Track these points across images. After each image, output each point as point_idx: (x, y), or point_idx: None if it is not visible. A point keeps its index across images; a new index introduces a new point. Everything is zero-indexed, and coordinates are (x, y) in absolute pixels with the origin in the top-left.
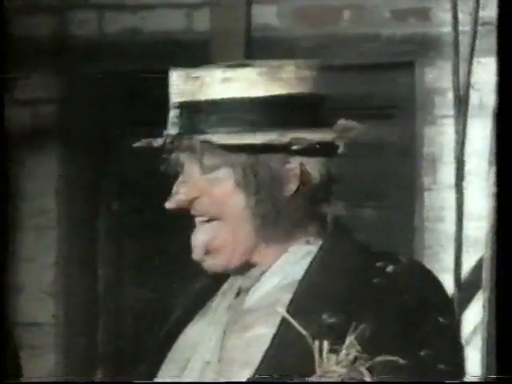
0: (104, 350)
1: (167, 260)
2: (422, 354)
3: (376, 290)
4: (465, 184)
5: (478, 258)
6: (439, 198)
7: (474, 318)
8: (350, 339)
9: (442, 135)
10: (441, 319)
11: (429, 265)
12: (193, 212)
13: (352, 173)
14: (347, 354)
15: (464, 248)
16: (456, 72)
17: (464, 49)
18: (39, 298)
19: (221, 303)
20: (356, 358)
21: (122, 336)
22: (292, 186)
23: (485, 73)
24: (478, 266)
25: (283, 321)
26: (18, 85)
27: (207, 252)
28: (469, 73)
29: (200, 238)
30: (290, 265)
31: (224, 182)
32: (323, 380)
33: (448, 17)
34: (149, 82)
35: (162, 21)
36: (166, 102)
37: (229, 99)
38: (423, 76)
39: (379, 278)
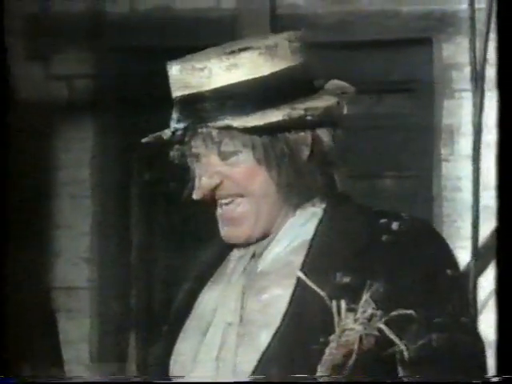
0: (136, 313)
1: (196, 229)
2: (434, 305)
3: (385, 247)
4: (481, 155)
5: (493, 226)
6: (457, 169)
7: (489, 283)
8: (365, 297)
9: (459, 108)
10: (448, 271)
11: (447, 233)
12: (217, 197)
13: (373, 144)
14: (364, 312)
15: (481, 216)
16: (473, 48)
17: (480, 25)
18: (75, 263)
19: (236, 268)
20: (372, 315)
21: (153, 300)
22: (306, 152)
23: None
24: (494, 234)
25: (299, 282)
26: (56, 60)
27: (231, 225)
28: (485, 48)
29: (224, 213)
30: (298, 227)
31: (245, 163)
32: (343, 338)
33: None
34: (177, 58)
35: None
36: None
37: (235, 84)
38: (441, 51)
39: (386, 235)
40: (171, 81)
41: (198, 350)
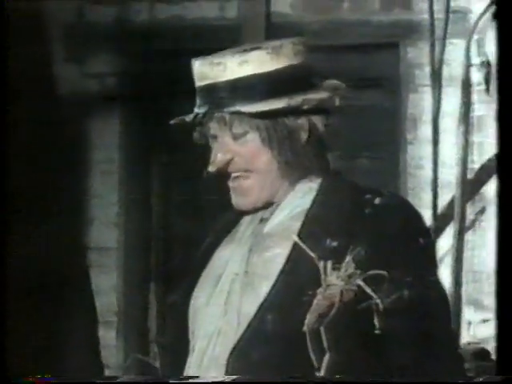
0: (156, 269)
1: (208, 201)
2: (407, 267)
3: (368, 218)
4: (439, 139)
5: (449, 197)
6: (419, 150)
7: (446, 243)
8: (348, 258)
9: (421, 100)
10: (421, 240)
11: (411, 202)
12: (229, 170)
13: (351, 130)
14: (345, 271)
15: (439, 189)
16: (432, 51)
17: (439, 32)
18: (106, 227)
19: (246, 230)
20: (352, 274)
21: (170, 258)
22: (304, 136)
23: (455, 51)
24: (450, 203)
25: (295, 245)
26: (88, 61)
27: (241, 195)
28: (442, 51)
29: (235, 185)
30: (297, 199)
31: (252, 142)
32: (327, 292)
33: (426, 6)
34: (189, 58)
35: (200, 10)
36: None
37: (246, 77)
38: (406, 54)
39: (369, 208)
40: (194, 73)
41: (211, 295)
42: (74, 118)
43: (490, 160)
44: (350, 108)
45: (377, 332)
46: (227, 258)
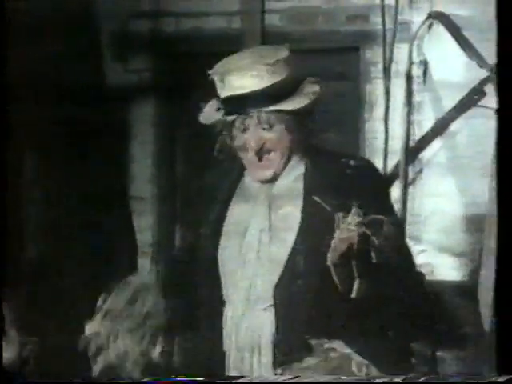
0: (180, 212)
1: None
2: (381, 210)
3: (350, 177)
4: (389, 118)
5: (395, 161)
6: (374, 126)
7: (394, 195)
8: (353, 210)
9: (375, 89)
10: (385, 188)
11: None
12: (261, 152)
13: (323, 112)
14: (354, 219)
15: (388, 156)
16: (384, 52)
17: (389, 38)
18: (143, 183)
19: (258, 192)
20: (359, 221)
21: (191, 205)
22: (306, 122)
23: (401, 53)
24: (397, 166)
25: (306, 201)
26: (130, 60)
27: (264, 169)
28: (391, 53)
29: (261, 162)
30: (295, 166)
31: (278, 130)
32: (343, 235)
33: (379, 20)
34: (204, 60)
35: (213, 22)
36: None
37: (270, 86)
38: (365, 55)
39: (349, 169)
40: (229, 84)
41: (240, 246)
42: (118, 105)
43: (426, 134)
44: (322, 95)
45: (373, 261)
46: (247, 216)
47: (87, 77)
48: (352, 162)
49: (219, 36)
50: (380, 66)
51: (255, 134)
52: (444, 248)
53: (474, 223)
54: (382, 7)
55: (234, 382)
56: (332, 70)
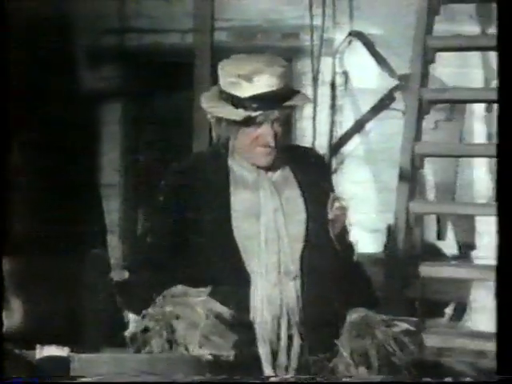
0: (142, 198)
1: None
2: (330, 187)
3: (316, 164)
4: (316, 116)
5: (322, 154)
6: (304, 125)
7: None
8: (333, 195)
9: (306, 92)
10: (328, 170)
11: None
12: (270, 144)
13: None
14: (339, 201)
15: (316, 143)
16: (312, 64)
17: (316, 53)
18: (111, 174)
19: (260, 179)
20: (341, 198)
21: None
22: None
23: (326, 65)
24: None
25: (301, 187)
26: (100, 69)
27: (268, 156)
28: (318, 64)
29: (267, 151)
30: (282, 159)
31: (283, 125)
32: (337, 212)
33: (308, 37)
34: (162, 69)
35: (171, 38)
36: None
37: (282, 87)
38: (296, 66)
39: (311, 158)
40: (243, 85)
41: (258, 227)
42: (91, 104)
43: (346, 132)
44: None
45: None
46: (255, 201)
47: (65, 82)
48: (310, 152)
49: (175, 49)
50: (309, 76)
51: (269, 128)
52: (362, 226)
53: (385, 205)
54: (311, 26)
55: (232, 381)
56: None
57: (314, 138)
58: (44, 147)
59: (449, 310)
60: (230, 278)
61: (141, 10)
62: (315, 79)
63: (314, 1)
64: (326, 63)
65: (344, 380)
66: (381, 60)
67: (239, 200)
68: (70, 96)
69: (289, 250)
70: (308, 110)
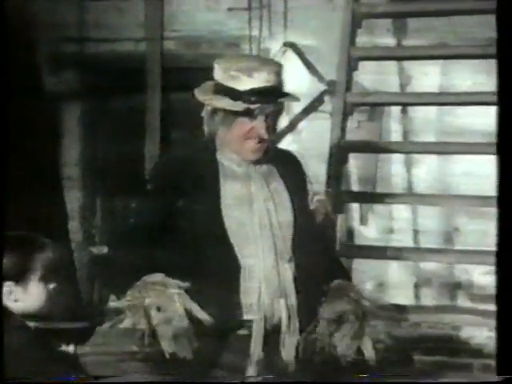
0: (100, 183)
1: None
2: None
3: (294, 164)
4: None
5: None
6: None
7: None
8: (310, 186)
9: None
10: (304, 170)
11: None
12: (263, 136)
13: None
14: (320, 194)
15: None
16: None
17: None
18: (71, 167)
19: (248, 171)
20: (319, 191)
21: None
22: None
23: None
24: None
25: (283, 178)
26: (61, 73)
27: (259, 151)
28: None
29: (258, 145)
30: (267, 153)
31: (275, 120)
32: (318, 202)
33: (247, 47)
34: (117, 74)
35: (124, 46)
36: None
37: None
38: None
39: (289, 157)
40: (242, 79)
41: (251, 215)
42: (54, 105)
43: (281, 131)
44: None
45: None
46: (246, 191)
47: (30, 85)
48: (287, 154)
49: (128, 56)
50: None
51: (263, 122)
52: None
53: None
54: (250, 37)
55: (228, 382)
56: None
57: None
58: (12, 143)
59: (369, 286)
60: (219, 265)
61: (98, 21)
62: None
63: (252, 14)
64: None
65: (344, 380)
66: (311, 67)
67: (229, 190)
68: (34, 98)
69: (281, 235)
70: None
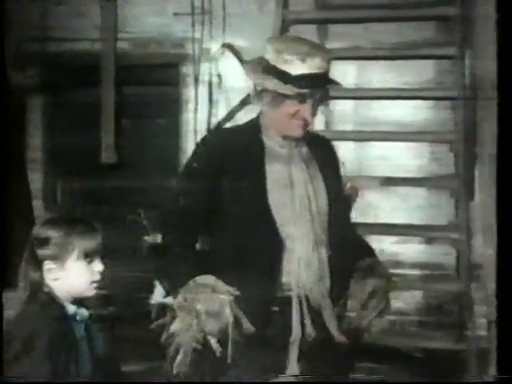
0: (62, 170)
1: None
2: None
3: (324, 147)
4: (198, 110)
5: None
6: (188, 116)
7: None
8: (342, 168)
9: (189, 92)
10: (336, 150)
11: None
12: (308, 119)
13: (157, 106)
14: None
15: (197, 134)
16: (194, 68)
17: (197, 59)
18: (35, 151)
19: (292, 153)
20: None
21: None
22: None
23: (204, 68)
24: None
25: (318, 163)
26: (25, 69)
27: (304, 129)
28: (198, 68)
29: (304, 125)
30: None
31: (319, 105)
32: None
33: (191, 47)
34: (75, 71)
35: (82, 45)
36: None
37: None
38: (182, 69)
39: (324, 142)
40: (309, 65)
41: (291, 197)
42: (19, 97)
43: (220, 120)
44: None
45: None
46: (287, 173)
47: None
48: (317, 134)
49: (85, 54)
50: (191, 77)
51: (310, 106)
52: None
53: None
54: (193, 39)
55: (223, 381)
56: (159, 79)
57: (195, 125)
58: None
59: None
60: (264, 243)
61: (59, 23)
62: (196, 80)
63: (195, 19)
64: (204, 67)
65: (344, 380)
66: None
67: (273, 171)
68: (1, 91)
69: (318, 219)
70: (191, 104)
